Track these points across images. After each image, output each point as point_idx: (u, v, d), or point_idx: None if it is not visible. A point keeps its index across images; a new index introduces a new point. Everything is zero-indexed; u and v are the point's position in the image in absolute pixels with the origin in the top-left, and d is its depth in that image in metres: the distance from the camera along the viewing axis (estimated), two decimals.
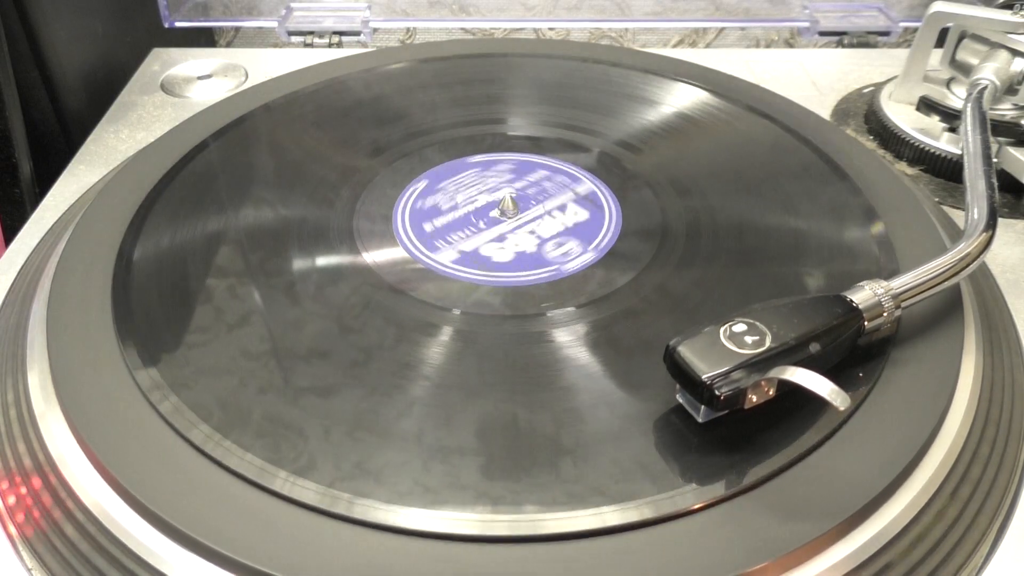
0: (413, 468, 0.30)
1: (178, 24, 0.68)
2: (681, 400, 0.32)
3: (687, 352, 0.30)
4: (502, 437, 0.31)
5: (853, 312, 0.33)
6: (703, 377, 0.30)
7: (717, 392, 0.29)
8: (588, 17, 0.78)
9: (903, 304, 0.34)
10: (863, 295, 0.33)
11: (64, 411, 0.33)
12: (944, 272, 0.35)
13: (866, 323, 0.33)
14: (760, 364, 0.30)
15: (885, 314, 0.33)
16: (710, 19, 0.78)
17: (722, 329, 0.31)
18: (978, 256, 0.36)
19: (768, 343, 0.30)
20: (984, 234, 0.37)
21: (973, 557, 0.30)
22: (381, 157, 0.47)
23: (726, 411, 0.31)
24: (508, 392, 0.33)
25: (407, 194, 0.45)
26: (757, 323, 0.31)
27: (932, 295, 0.35)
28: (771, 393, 0.31)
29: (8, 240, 0.47)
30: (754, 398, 0.30)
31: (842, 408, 0.28)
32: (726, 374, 0.30)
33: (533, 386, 0.34)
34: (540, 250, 0.41)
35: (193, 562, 0.28)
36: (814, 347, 0.31)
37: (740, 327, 0.31)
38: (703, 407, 0.31)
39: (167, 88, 0.60)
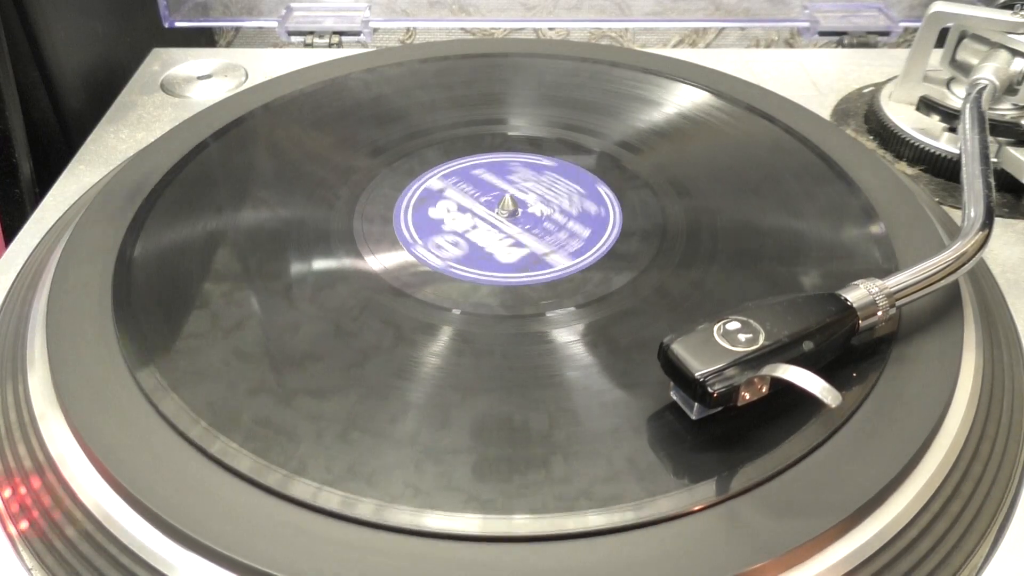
0: (411, 468, 0.30)
1: (178, 24, 0.68)
2: (675, 397, 0.32)
3: (681, 349, 0.30)
4: (500, 439, 0.31)
5: (847, 311, 0.33)
6: (696, 374, 0.30)
7: (710, 389, 0.29)
8: (588, 17, 0.78)
9: (898, 303, 0.34)
10: (858, 294, 0.33)
11: (64, 411, 0.33)
12: (940, 271, 0.35)
13: (860, 322, 0.33)
14: (753, 361, 0.30)
15: (880, 313, 0.33)
16: (710, 19, 0.78)
17: (716, 327, 0.31)
18: (974, 255, 0.36)
19: (761, 341, 0.31)
20: (980, 233, 0.37)
21: (973, 557, 0.30)
22: (381, 157, 0.47)
23: (719, 408, 0.31)
24: (506, 393, 0.33)
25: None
26: (751, 321, 0.31)
27: (928, 294, 0.35)
28: (764, 391, 0.31)
29: (8, 240, 0.47)
30: (747, 395, 0.30)
31: (833, 406, 0.28)
32: (719, 371, 0.30)
33: (531, 387, 0.34)
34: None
35: (193, 562, 0.28)
36: (807, 345, 0.31)
37: (734, 325, 0.31)
38: (696, 404, 0.31)
39: (167, 88, 0.60)
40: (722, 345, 0.30)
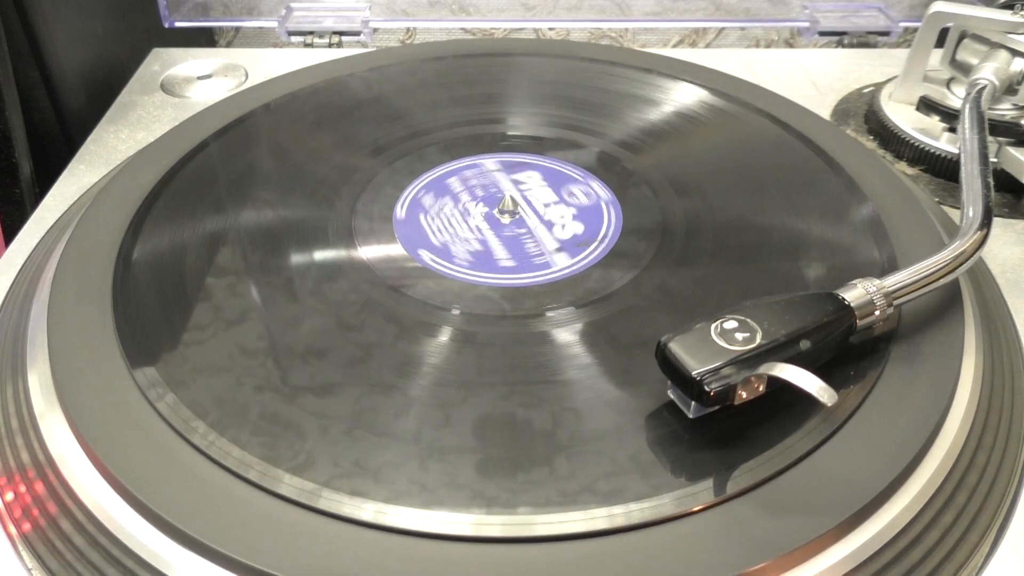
0: (411, 468, 0.30)
1: (178, 24, 0.68)
2: (672, 396, 0.32)
3: (678, 348, 0.31)
4: (500, 438, 0.31)
5: (844, 310, 0.33)
6: (693, 373, 0.30)
7: (707, 388, 0.29)
8: (588, 17, 0.78)
9: (896, 302, 0.34)
10: (855, 293, 0.33)
11: (64, 411, 0.33)
12: (938, 270, 0.35)
13: (858, 321, 0.33)
14: (750, 360, 0.30)
15: (877, 312, 0.33)
16: (710, 19, 0.78)
17: (713, 326, 0.31)
18: (972, 254, 0.36)
19: (758, 340, 0.31)
20: (979, 232, 0.37)
21: (973, 557, 0.30)
22: (381, 157, 0.47)
23: (717, 407, 0.31)
24: (507, 393, 0.33)
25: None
26: (748, 320, 0.31)
27: (926, 293, 0.35)
28: (761, 389, 0.31)
29: (8, 240, 0.47)
30: (744, 394, 0.30)
31: (829, 404, 0.28)
32: (716, 370, 0.30)
33: (532, 386, 0.34)
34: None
35: (193, 561, 0.28)
36: (804, 344, 0.31)
37: (731, 324, 0.31)
38: (693, 403, 0.31)
39: (167, 88, 0.60)
40: (719, 344, 0.30)
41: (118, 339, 0.35)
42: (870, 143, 0.54)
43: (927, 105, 0.53)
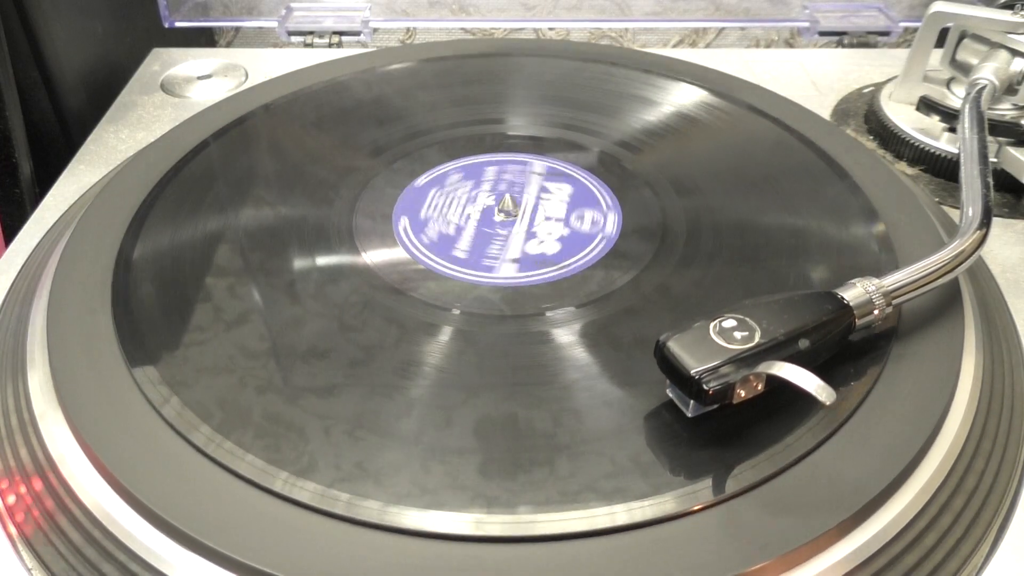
0: (412, 469, 0.30)
1: (178, 24, 0.69)
2: (671, 395, 0.32)
3: (676, 347, 0.31)
4: (501, 438, 0.31)
5: (843, 309, 0.33)
6: (691, 372, 0.30)
7: (705, 387, 0.29)
8: (588, 17, 0.79)
9: (895, 301, 0.34)
10: (854, 292, 0.33)
11: (64, 411, 0.33)
12: (937, 270, 0.35)
13: (857, 320, 0.33)
14: (749, 359, 0.30)
15: (876, 311, 0.33)
16: (710, 19, 0.78)
17: (712, 324, 0.31)
18: (972, 254, 0.36)
19: (757, 339, 0.31)
20: (978, 232, 0.37)
21: (973, 557, 0.30)
22: (381, 157, 0.47)
23: (715, 406, 0.31)
24: (507, 393, 0.33)
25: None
26: (747, 319, 0.31)
27: (926, 292, 0.35)
28: (759, 388, 0.31)
29: (8, 240, 0.47)
30: (742, 393, 0.30)
31: (828, 403, 0.28)
32: (714, 369, 0.30)
33: (532, 386, 0.34)
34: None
35: (193, 562, 0.28)
36: (803, 343, 0.31)
37: (730, 323, 0.31)
38: (692, 402, 0.31)
39: (167, 88, 0.60)
40: (718, 343, 0.30)
41: (118, 339, 0.35)
42: (870, 143, 0.54)
43: (927, 105, 0.53)
